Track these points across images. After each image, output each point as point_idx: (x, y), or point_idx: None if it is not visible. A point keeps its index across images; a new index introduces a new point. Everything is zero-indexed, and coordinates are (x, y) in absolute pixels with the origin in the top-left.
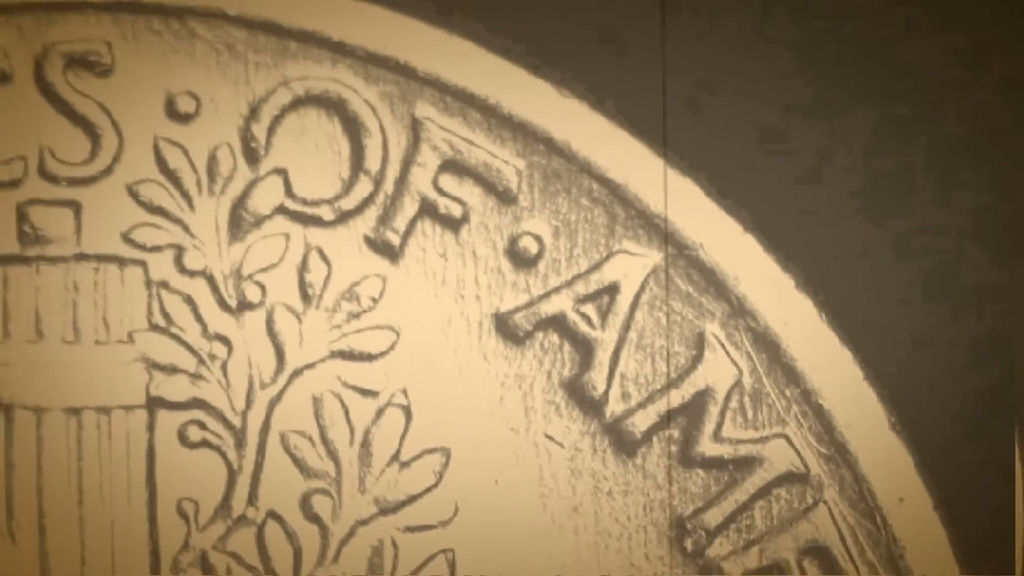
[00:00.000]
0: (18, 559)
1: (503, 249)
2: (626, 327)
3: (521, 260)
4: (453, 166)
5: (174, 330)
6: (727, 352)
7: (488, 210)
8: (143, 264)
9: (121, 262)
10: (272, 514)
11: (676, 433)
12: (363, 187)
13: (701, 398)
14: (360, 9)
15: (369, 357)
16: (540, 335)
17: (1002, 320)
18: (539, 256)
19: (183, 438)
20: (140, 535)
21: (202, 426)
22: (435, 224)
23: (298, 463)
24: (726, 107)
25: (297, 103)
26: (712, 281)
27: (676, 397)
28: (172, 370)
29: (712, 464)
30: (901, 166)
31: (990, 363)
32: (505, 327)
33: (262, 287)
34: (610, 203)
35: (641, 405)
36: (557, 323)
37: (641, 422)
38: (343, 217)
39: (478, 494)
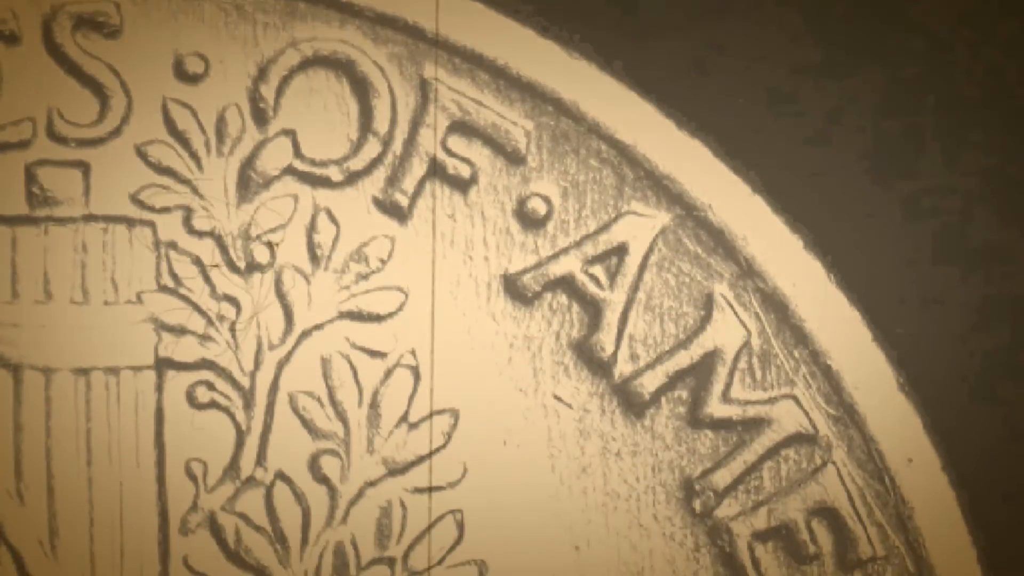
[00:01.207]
0: (27, 520)
1: (511, 210)
2: (635, 288)
3: (530, 221)
4: (462, 127)
5: (183, 291)
6: (735, 313)
7: (497, 171)
8: (152, 225)
9: (130, 223)
10: (280, 475)
11: (684, 394)
12: (372, 148)
13: (710, 359)
14: None
15: (378, 318)
16: (549, 296)
17: (1010, 281)
18: (548, 217)
19: (192, 399)
20: (149, 496)
21: (210, 387)
22: (443, 185)
23: (307, 424)
24: (735, 68)
25: (306, 64)
26: (721, 242)
27: (684, 358)
28: (181, 331)
29: (720, 425)
30: (910, 127)
31: (998, 324)
32: (514, 288)
33: (271, 248)
34: (619, 164)
35: (650, 366)
36: (566, 284)
37: (650, 383)
38: (352, 178)
39: (487, 455)
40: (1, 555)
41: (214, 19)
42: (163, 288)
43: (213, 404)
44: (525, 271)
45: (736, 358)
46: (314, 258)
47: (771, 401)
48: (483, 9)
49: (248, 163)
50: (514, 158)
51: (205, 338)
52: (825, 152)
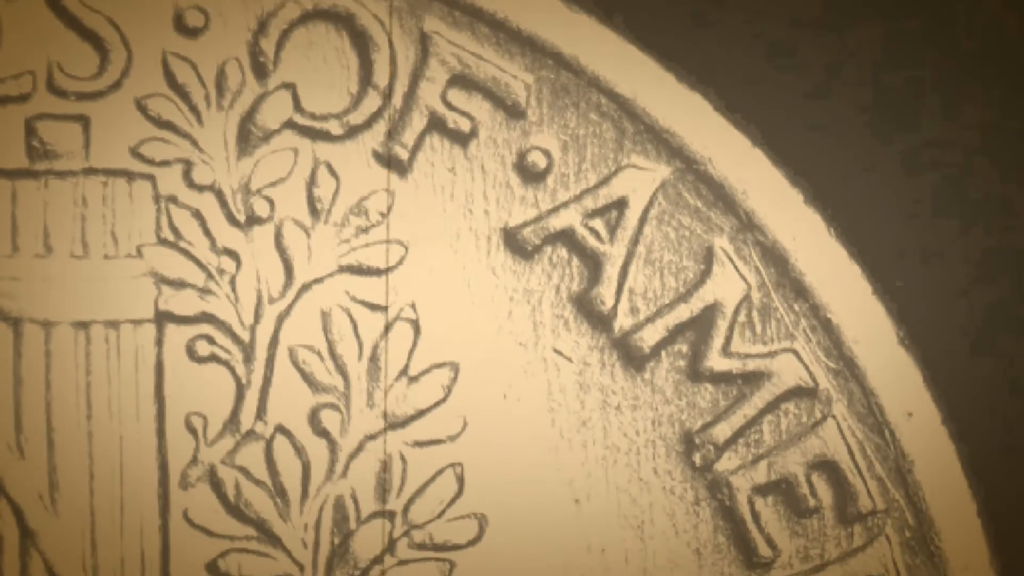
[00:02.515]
0: (27, 473)
1: (511, 164)
2: (635, 242)
3: (529, 175)
4: (462, 81)
5: (183, 244)
6: (735, 267)
7: (497, 125)
8: (152, 178)
9: (130, 176)
10: (280, 429)
11: (684, 348)
12: (372, 102)
13: (709, 313)
14: None
15: (378, 272)
16: (548, 250)
17: (1011, 234)
18: (547, 171)
19: (191, 352)
20: (148, 449)
21: (211, 341)
22: (443, 139)
23: (307, 378)
24: (735, 22)
25: (306, 17)
26: (720, 196)
27: (684, 312)
28: (181, 284)
29: (720, 379)
30: (910, 80)
31: (999, 277)
32: (513, 242)
33: (270, 202)
34: (618, 118)
35: (649, 320)
36: (566, 237)
37: (650, 337)
38: (352, 132)
39: (486, 408)
40: (1, 509)
41: None
42: (163, 242)
43: (213, 358)
44: (525, 225)
45: (736, 312)
46: (314, 212)
47: (771, 355)
48: None
49: (248, 117)
50: (514, 112)
51: (205, 292)
52: (825, 105)
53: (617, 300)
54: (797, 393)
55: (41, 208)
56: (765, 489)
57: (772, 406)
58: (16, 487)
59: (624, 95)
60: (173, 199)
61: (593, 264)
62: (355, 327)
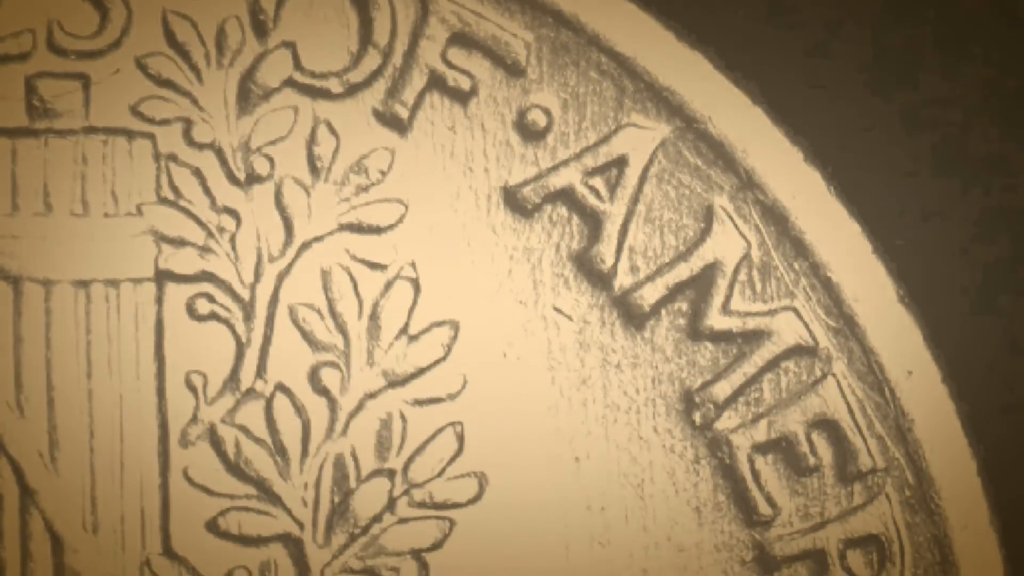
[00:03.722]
0: (27, 431)
1: (511, 122)
2: (634, 200)
3: (529, 133)
4: (462, 39)
5: (183, 203)
6: (735, 225)
7: (496, 83)
8: (151, 137)
9: (130, 135)
10: (280, 387)
11: (684, 306)
12: (371, 60)
13: (709, 271)
14: None
15: (378, 230)
16: (548, 208)
17: (1011, 193)
18: (547, 129)
19: (192, 311)
20: (149, 408)
21: (211, 299)
22: (443, 97)
23: (307, 336)
24: None
25: None
26: (720, 154)
27: (684, 270)
28: (181, 243)
29: (720, 337)
30: (909, 39)
31: (998, 236)
32: (513, 200)
33: (271, 160)
34: (618, 76)
35: (649, 278)
36: (565, 196)
37: (650, 295)
38: (352, 90)
39: (486, 367)
40: (1, 467)
41: None
42: (163, 200)
43: (213, 316)
44: (525, 183)
45: (736, 270)
46: (314, 170)
47: (771, 313)
48: None
49: (248, 75)
50: (514, 70)
51: (205, 250)
52: (825, 64)
53: (617, 258)
54: (797, 351)
55: (41, 167)
56: (765, 447)
57: (772, 364)
58: (16, 445)
59: (624, 53)
60: (173, 158)
61: (593, 222)
62: (355, 285)
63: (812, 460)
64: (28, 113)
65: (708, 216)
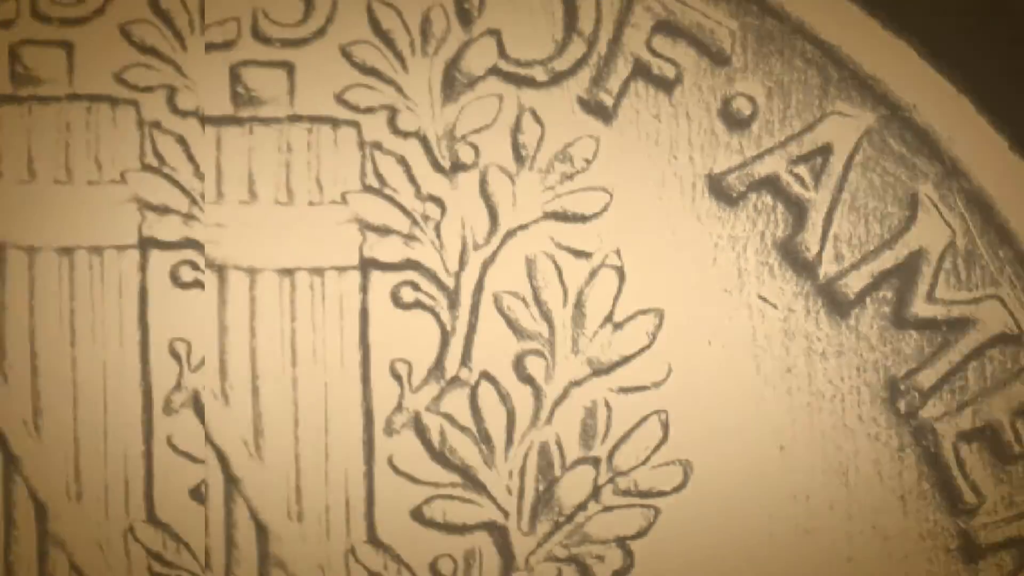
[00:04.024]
0: (233, 419)
1: (716, 110)
2: (839, 188)
3: (734, 121)
4: (666, 27)
5: (387, 191)
6: (940, 213)
7: (701, 71)
8: (356, 125)
9: (335, 123)
10: (485, 375)
11: (889, 294)
12: (576, 48)
13: (914, 259)
14: None
15: (582, 218)
16: (753, 196)
17: None
18: (752, 117)
19: (396, 299)
20: (354, 397)
21: (415, 287)
22: (648, 85)
23: (511, 324)
24: None
25: None
26: (925, 142)
27: (889, 258)
28: (386, 231)
29: (925, 325)
30: None
31: None
32: (718, 188)
33: (475, 148)
34: (823, 64)
35: (854, 266)
36: (770, 184)
37: (855, 283)
38: (556, 78)
39: (691, 355)
40: (208, 454)
41: None
42: (368, 188)
43: (418, 304)
44: (730, 171)
45: (941, 258)
46: (519, 158)
47: (976, 301)
48: None
49: (453, 63)
50: (719, 58)
51: (410, 238)
52: None
53: (822, 247)
54: (1002, 340)
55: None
56: (970, 435)
57: (977, 352)
58: (222, 434)
59: (829, 41)
60: (378, 145)
61: (798, 210)
62: (560, 273)
63: (1017, 448)
64: (233, 102)
65: (913, 204)
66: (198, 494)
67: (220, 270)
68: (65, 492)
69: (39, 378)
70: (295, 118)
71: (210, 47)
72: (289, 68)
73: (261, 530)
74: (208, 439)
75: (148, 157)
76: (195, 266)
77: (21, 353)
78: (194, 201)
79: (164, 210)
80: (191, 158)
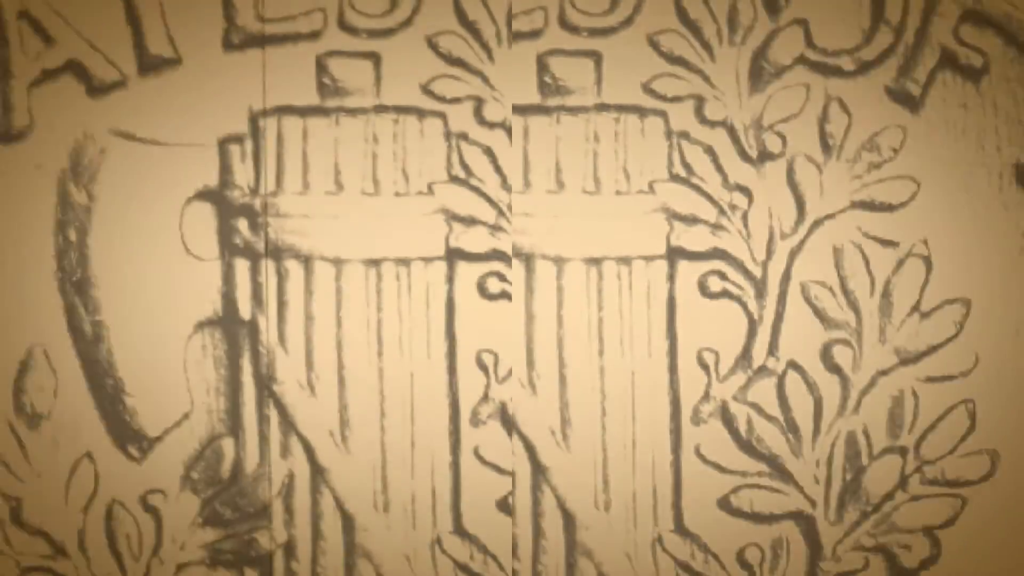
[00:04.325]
0: (541, 410)
1: (1023, 100)
2: None
3: None
4: (973, 16)
5: (694, 180)
6: None
7: (1008, 61)
8: (663, 114)
9: (642, 112)
10: (792, 364)
11: None
12: (883, 38)
13: None
14: None
15: (889, 207)
16: None
17: None
18: None
19: (703, 288)
20: (660, 386)
21: (723, 276)
22: (955, 75)
23: (818, 313)
24: None
25: None
26: None
27: None
28: (693, 220)
29: None
30: None
31: None
32: None
33: (782, 138)
34: None
35: None
36: None
37: None
38: (863, 68)
39: (998, 345)
40: (513, 444)
41: None
42: (675, 178)
43: (725, 293)
44: None
45: None
46: (826, 147)
47: None
48: None
49: (760, 53)
50: None
51: (717, 227)
52: None
53: None
54: None
55: (554, 144)
56: None
57: None
58: (529, 424)
59: None
60: (685, 135)
61: None
62: (867, 263)
63: None
64: (320, 92)
65: None
66: (726, 504)
67: (307, 261)
68: (593, 502)
69: (567, 388)
70: (602, 107)
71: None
72: (597, 57)
73: (568, 519)
74: (515, 428)
75: (676, 167)
76: (502, 278)
77: (550, 361)
78: (722, 211)
79: (692, 220)
80: (498, 169)
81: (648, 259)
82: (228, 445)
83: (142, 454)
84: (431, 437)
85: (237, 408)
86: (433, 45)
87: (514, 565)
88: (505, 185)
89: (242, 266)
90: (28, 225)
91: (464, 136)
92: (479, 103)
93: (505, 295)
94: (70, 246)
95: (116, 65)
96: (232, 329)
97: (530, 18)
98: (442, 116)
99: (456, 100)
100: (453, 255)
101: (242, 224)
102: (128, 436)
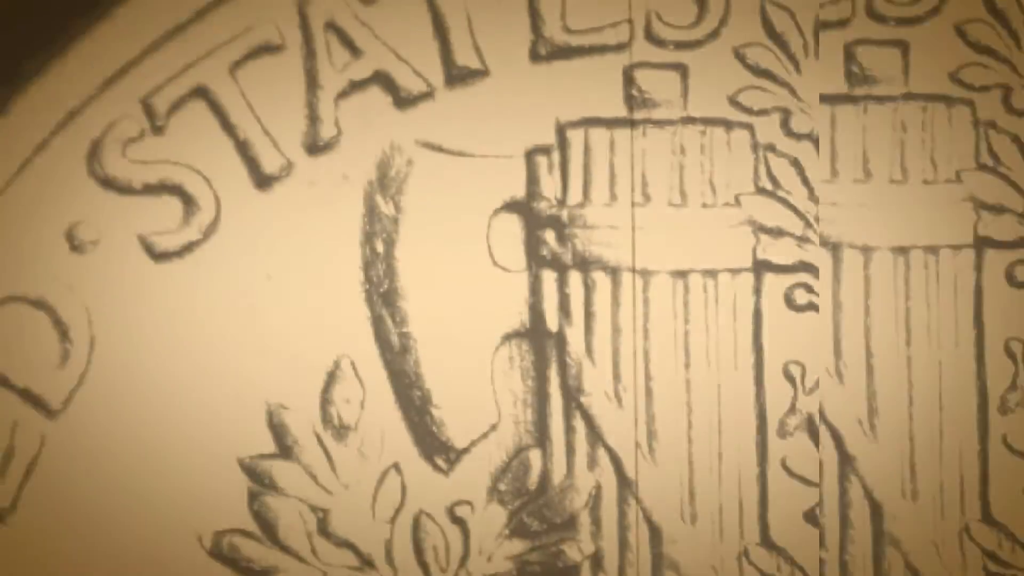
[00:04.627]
0: (625, 422)
1: None
2: None
3: None
4: None
5: (781, 193)
6: None
7: None
8: (749, 127)
9: (728, 125)
10: None
11: None
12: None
13: None
14: None
15: None
16: None
17: None
18: None
19: (789, 301)
20: (747, 398)
21: (808, 289)
22: None
23: None
24: None
25: None
26: None
27: None
28: (779, 233)
29: None
30: None
31: None
32: None
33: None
34: None
35: None
36: None
37: None
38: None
39: None
40: (599, 457)
41: None
42: (761, 191)
43: (810, 306)
44: None
45: None
46: None
47: None
48: None
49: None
50: None
51: (803, 240)
52: None
53: None
54: None
55: (640, 157)
56: None
57: None
58: (616, 434)
59: None
60: (771, 148)
61: None
62: None
63: None
64: (627, 103)
65: None
66: (812, 517)
67: (614, 272)
68: (679, 515)
69: (653, 401)
70: (688, 120)
71: (604, 49)
72: (682, 70)
73: (655, 532)
74: (600, 441)
75: (762, 180)
76: (809, 289)
77: (637, 376)
78: (808, 224)
79: (778, 233)
80: (805, 181)
81: (734, 272)
82: (535, 456)
83: (449, 465)
84: (738, 448)
85: (544, 419)
86: (740, 56)
87: None
88: (812, 197)
89: (549, 277)
90: (335, 236)
91: (771, 147)
92: (786, 114)
93: (812, 306)
94: (377, 257)
95: (423, 76)
96: (539, 340)
97: (615, 31)
98: (749, 128)
99: (764, 112)
100: (760, 267)
101: (549, 235)
102: (435, 447)
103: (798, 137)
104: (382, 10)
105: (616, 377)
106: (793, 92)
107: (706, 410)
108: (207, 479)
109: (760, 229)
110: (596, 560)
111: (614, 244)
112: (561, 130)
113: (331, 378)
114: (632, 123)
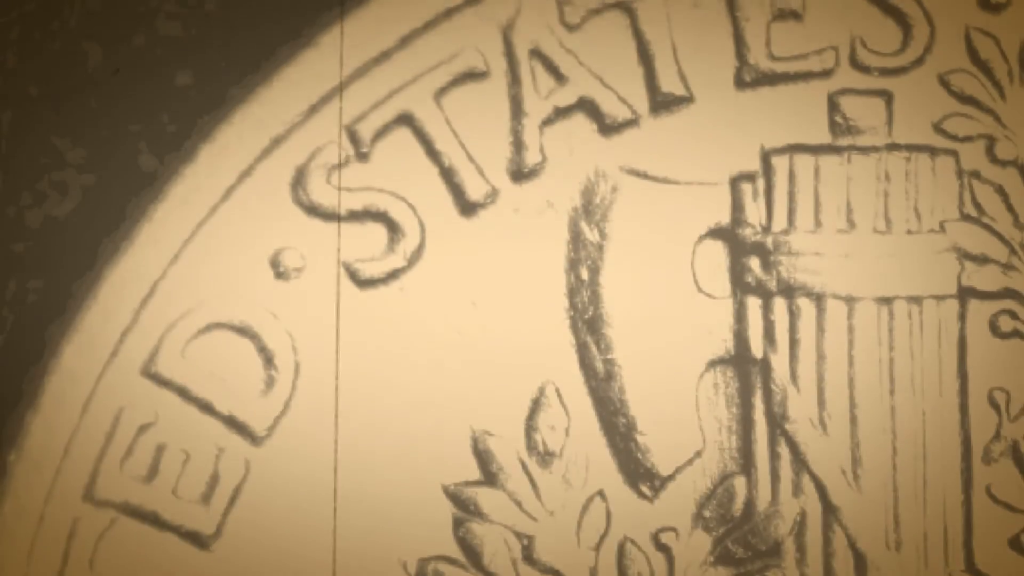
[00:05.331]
0: (830, 449)
1: None
2: None
3: None
4: None
5: (986, 220)
6: None
7: None
8: (954, 154)
9: (932, 152)
10: None
11: None
12: None
13: None
14: None
15: None
16: None
17: None
18: None
19: (994, 328)
20: (952, 425)
21: (1013, 316)
22: None
23: None
24: None
25: None
26: None
27: None
28: (983, 260)
29: None
30: None
31: None
32: None
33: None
34: None
35: None
36: None
37: None
38: None
39: None
40: (804, 483)
41: None
42: (966, 217)
43: (1016, 334)
44: None
45: None
46: None
47: None
48: None
49: None
50: None
51: (1008, 267)
52: None
53: None
54: None
55: (844, 183)
56: None
57: None
58: (820, 463)
59: None
60: (976, 175)
61: None
62: None
63: None
64: (831, 130)
65: None
66: (1017, 543)
67: (818, 298)
68: (884, 542)
69: (858, 428)
70: (893, 147)
71: (808, 76)
72: (887, 97)
73: (859, 559)
74: (805, 468)
75: (967, 207)
76: (1014, 315)
77: (841, 404)
78: (1013, 251)
79: (983, 260)
80: (1010, 208)
81: (939, 298)
82: (740, 483)
83: (654, 492)
84: (942, 475)
85: (749, 446)
86: (945, 83)
87: None
88: (1017, 224)
89: (754, 304)
90: (540, 263)
91: (976, 174)
92: (991, 141)
93: (1017, 333)
94: (582, 284)
95: (628, 103)
96: (744, 367)
97: (820, 57)
98: (954, 154)
99: (968, 138)
100: (965, 293)
101: (754, 262)
102: (640, 474)
103: (1003, 164)
104: (586, 36)
105: (821, 404)
106: (998, 119)
107: (911, 437)
108: (412, 506)
109: (965, 256)
110: None
111: (819, 271)
112: (766, 157)
113: (536, 405)
114: (837, 150)
